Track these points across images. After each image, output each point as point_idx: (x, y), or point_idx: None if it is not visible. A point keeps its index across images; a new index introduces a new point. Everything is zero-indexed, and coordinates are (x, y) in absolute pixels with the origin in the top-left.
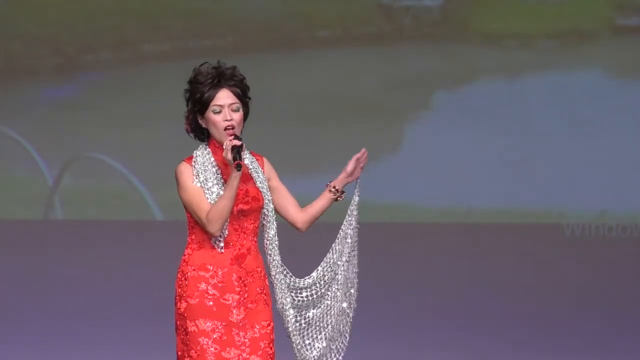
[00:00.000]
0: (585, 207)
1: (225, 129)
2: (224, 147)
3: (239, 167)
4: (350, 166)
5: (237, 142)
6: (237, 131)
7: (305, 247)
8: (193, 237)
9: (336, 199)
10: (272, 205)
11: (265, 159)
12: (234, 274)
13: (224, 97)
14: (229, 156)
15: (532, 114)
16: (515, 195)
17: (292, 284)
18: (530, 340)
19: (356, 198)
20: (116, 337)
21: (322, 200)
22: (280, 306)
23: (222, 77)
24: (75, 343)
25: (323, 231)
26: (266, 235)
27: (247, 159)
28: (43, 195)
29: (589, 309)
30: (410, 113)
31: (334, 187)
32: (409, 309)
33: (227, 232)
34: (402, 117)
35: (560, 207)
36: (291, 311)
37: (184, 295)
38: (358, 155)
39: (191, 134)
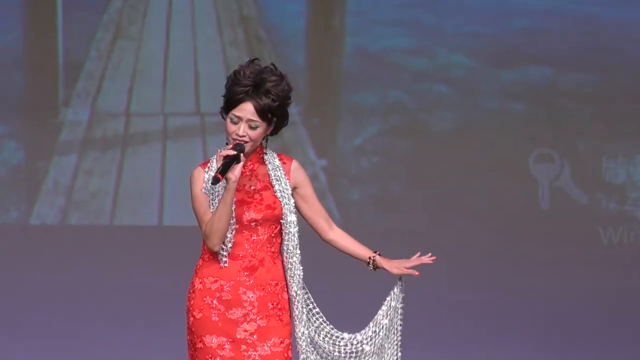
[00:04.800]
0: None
1: (233, 140)
2: (218, 153)
3: (215, 180)
4: (410, 264)
5: (230, 152)
6: (248, 146)
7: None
8: (206, 247)
9: (368, 265)
10: (293, 216)
11: (293, 163)
12: (241, 287)
13: (246, 110)
14: (217, 164)
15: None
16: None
17: (318, 323)
18: (564, 351)
19: (397, 290)
20: (128, 348)
21: (357, 254)
22: (299, 334)
23: (258, 89)
24: (86, 348)
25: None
26: (285, 248)
27: (270, 165)
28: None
29: (624, 318)
30: None
31: (373, 261)
32: (450, 311)
33: (230, 245)
34: None
35: (598, 212)
36: (309, 349)
37: (191, 308)
38: (425, 260)
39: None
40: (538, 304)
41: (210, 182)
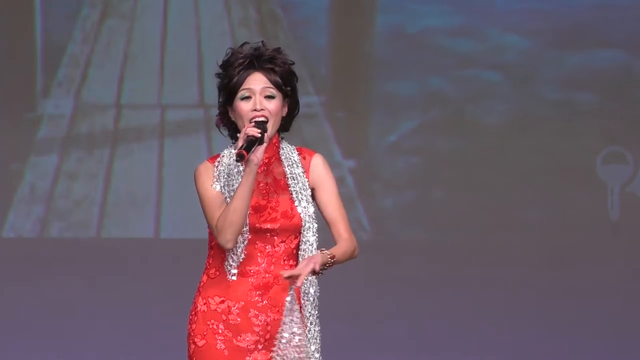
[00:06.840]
0: None
1: (252, 120)
2: (241, 133)
3: (239, 157)
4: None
5: (255, 131)
6: (270, 123)
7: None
8: (211, 260)
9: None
10: (313, 224)
11: (314, 158)
12: (252, 310)
13: (256, 81)
14: (240, 142)
15: None
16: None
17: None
18: None
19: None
20: None
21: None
22: (310, 353)
23: (258, 59)
24: None
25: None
26: (301, 260)
27: (285, 161)
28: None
29: None
30: None
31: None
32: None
33: (243, 256)
34: None
35: None
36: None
37: (192, 334)
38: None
39: (222, 130)
40: (608, 332)
41: (236, 159)
